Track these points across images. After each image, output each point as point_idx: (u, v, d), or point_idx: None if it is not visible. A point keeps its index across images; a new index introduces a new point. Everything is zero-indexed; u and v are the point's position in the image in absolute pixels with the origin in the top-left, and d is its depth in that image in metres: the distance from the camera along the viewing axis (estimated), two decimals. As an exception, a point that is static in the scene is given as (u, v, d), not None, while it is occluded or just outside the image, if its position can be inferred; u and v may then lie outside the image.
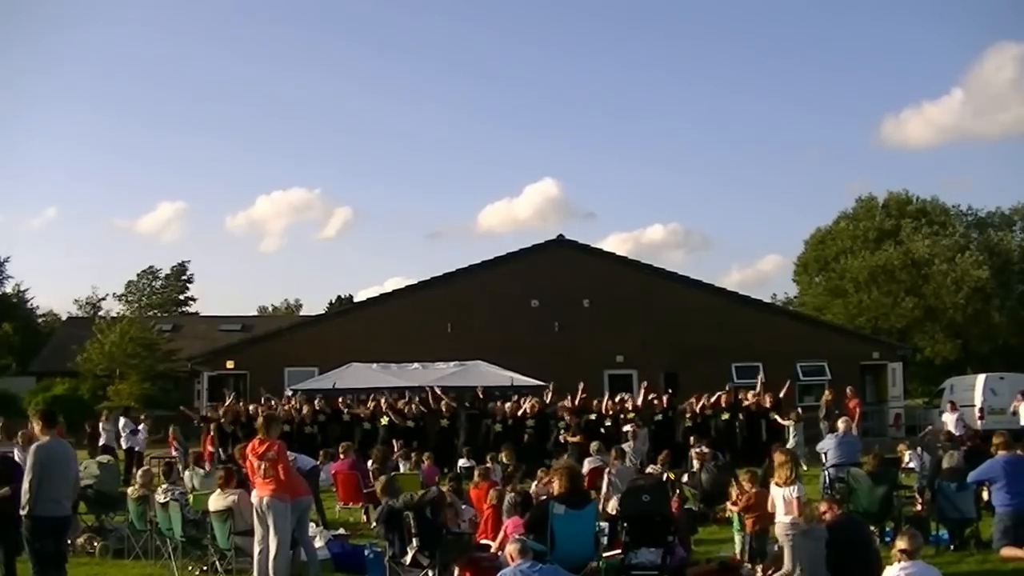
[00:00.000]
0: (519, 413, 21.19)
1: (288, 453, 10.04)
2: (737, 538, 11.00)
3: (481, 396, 22.37)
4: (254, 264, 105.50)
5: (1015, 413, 23.78)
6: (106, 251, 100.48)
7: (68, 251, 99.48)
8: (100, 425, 22.12)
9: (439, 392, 22.15)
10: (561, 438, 19.95)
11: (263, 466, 9.38)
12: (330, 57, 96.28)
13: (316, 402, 22.42)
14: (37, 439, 8.76)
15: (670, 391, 24.03)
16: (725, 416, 21.70)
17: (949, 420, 22.65)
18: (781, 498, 9.24)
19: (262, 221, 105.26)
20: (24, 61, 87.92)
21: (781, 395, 22.20)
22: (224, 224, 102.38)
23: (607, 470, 13.61)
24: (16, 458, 11.54)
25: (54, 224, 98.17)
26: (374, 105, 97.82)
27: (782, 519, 9.18)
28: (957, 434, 21.46)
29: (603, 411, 21.68)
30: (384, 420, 21.25)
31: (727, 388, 22.73)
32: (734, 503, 10.83)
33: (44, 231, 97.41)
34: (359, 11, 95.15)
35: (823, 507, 9.47)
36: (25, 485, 8.37)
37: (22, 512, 8.43)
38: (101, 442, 21.68)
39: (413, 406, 21.74)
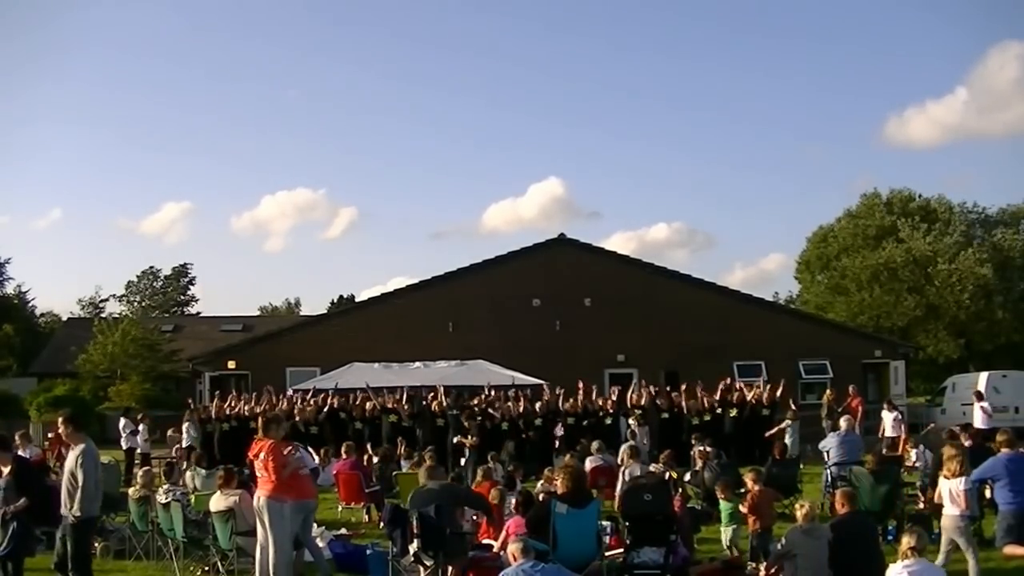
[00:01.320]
0: (521, 410, 21.23)
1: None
2: (726, 533, 11.09)
3: (486, 395, 22.25)
4: (258, 264, 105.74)
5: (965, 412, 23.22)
6: (111, 252, 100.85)
7: (73, 252, 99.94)
8: (184, 428, 21.86)
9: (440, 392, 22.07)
10: (455, 440, 19.58)
11: (257, 466, 9.37)
12: (335, 58, 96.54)
13: (313, 400, 22.48)
14: (73, 443, 8.82)
15: (669, 389, 24.03)
16: (733, 413, 21.75)
17: (887, 418, 21.72)
18: (948, 491, 9.22)
19: (267, 221, 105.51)
20: (29, 62, 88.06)
21: (778, 393, 22.26)
22: (229, 224, 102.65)
23: (622, 469, 13.61)
24: None
25: (59, 225, 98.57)
26: (379, 105, 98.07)
27: (950, 511, 9.12)
28: (894, 435, 21.04)
29: (606, 408, 21.75)
30: (393, 418, 21.24)
31: (724, 384, 22.79)
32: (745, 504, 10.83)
33: (49, 232, 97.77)
34: (365, 12, 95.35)
35: (837, 499, 9.45)
36: (87, 488, 8.49)
37: (76, 515, 8.50)
38: (184, 444, 21.37)
39: (408, 405, 21.71)
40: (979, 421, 21.44)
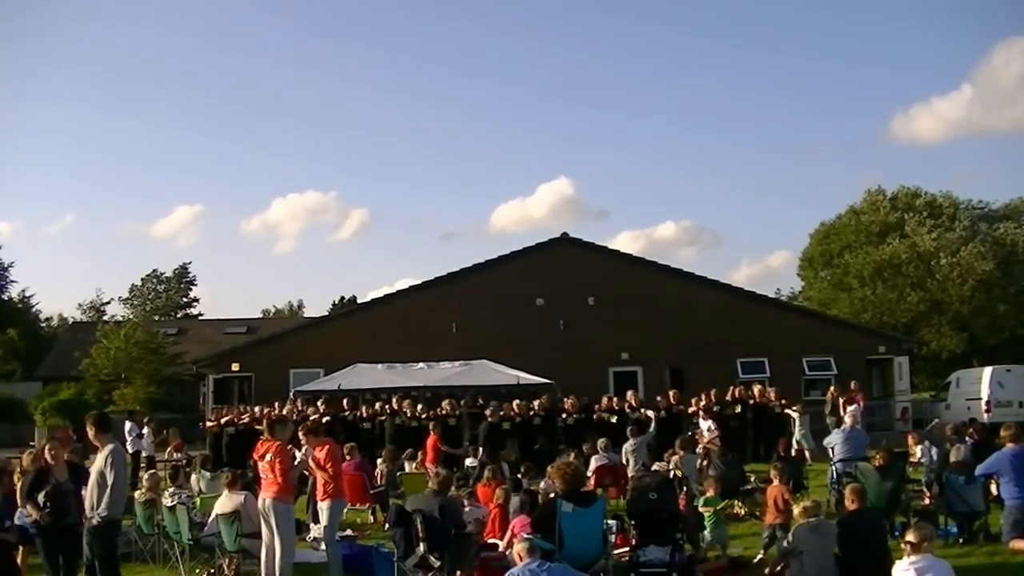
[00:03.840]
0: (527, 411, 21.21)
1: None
2: (706, 535, 11.03)
3: (480, 400, 22.24)
4: (268, 267, 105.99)
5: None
6: (122, 256, 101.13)
7: (85, 256, 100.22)
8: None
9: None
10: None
11: (263, 468, 9.38)
12: (344, 60, 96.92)
13: (319, 402, 22.47)
14: (100, 444, 8.87)
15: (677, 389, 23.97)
16: (733, 410, 21.68)
17: (707, 426, 19.51)
18: None
19: (277, 224, 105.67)
20: (38, 67, 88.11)
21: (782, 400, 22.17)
22: (239, 227, 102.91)
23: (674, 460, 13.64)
24: None
25: (71, 229, 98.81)
26: (387, 106, 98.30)
27: None
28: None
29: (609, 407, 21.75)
30: (398, 419, 21.25)
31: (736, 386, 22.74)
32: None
33: (61, 237, 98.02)
34: (371, 14, 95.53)
35: (847, 495, 9.43)
36: (117, 487, 8.56)
37: (103, 515, 8.53)
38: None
39: (419, 406, 21.72)
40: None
